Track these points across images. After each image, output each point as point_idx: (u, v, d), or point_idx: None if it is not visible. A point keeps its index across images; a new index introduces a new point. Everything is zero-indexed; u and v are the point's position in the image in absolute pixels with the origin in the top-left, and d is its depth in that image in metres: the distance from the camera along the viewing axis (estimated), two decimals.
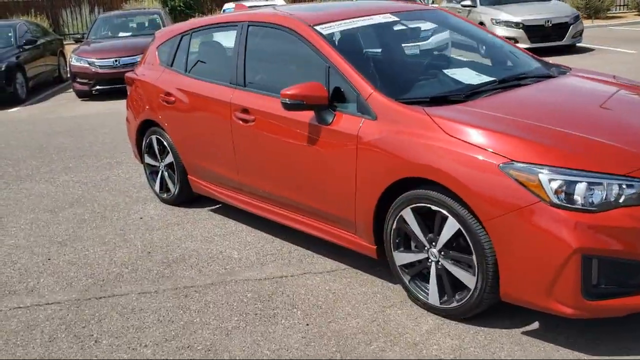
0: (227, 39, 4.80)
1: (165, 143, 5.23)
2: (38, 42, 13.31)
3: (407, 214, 3.30)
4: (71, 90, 12.93)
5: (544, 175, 2.78)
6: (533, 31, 12.84)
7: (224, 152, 4.54)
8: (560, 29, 12.93)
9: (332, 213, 3.79)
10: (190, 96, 4.81)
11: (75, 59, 11.70)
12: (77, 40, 13.16)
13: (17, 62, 12.03)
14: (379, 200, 3.42)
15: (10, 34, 12.81)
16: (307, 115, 3.77)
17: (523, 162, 2.85)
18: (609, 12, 20.44)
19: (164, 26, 12.97)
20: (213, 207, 5.28)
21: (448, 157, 3.04)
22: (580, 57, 12.79)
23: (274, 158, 4.09)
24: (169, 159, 5.25)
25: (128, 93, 5.77)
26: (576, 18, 13.09)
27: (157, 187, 5.51)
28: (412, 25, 4.52)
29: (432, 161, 3.09)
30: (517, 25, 12.86)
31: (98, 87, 11.60)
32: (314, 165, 3.79)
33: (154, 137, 5.36)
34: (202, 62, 5.02)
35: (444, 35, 4.79)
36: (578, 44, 13.63)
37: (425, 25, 4.63)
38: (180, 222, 5.01)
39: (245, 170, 4.41)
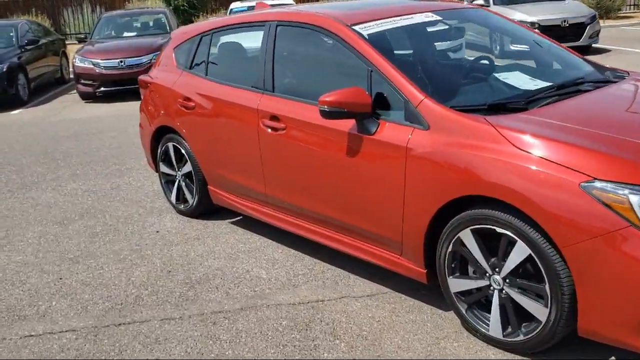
0: (252, 40, 4.46)
1: (183, 151, 4.88)
2: (40, 42, 12.95)
3: (466, 236, 2.96)
4: (74, 91, 12.57)
5: (635, 196, 2.44)
6: (549, 31, 12.48)
7: (250, 162, 4.20)
8: (577, 29, 12.59)
9: (374, 232, 3.45)
10: (212, 101, 4.46)
11: (79, 59, 11.34)
12: (80, 40, 12.80)
13: (19, 62, 11.68)
14: (431, 220, 3.08)
15: (11, 34, 12.45)
16: (347, 124, 3.42)
17: (608, 181, 2.51)
18: (619, 12, 20.11)
19: (169, 26, 12.65)
20: (234, 220, 4.94)
21: (518, 174, 2.69)
22: (599, 58, 12.45)
23: (307, 170, 3.75)
24: (187, 168, 4.90)
25: (142, 97, 5.42)
26: (593, 18, 12.75)
27: (173, 197, 5.16)
28: (454, 25, 4.17)
29: (499, 178, 2.75)
30: (532, 25, 12.51)
31: (103, 88, 11.24)
32: (354, 178, 3.44)
33: (170, 145, 5.01)
34: (224, 64, 4.68)
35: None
36: (594, 45, 13.29)
37: (466, 25, 4.29)
38: (200, 237, 4.66)
39: (274, 182, 4.06)
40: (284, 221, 4.12)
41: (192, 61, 4.83)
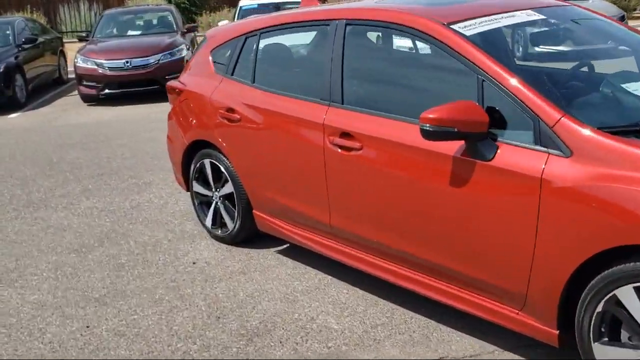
0: (311, 42, 3.81)
1: (222, 169, 4.21)
2: (38, 41, 12.20)
3: (626, 295, 2.32)
4: (74, 93, 11.85)
5: None
6: None
7: (311, 186, 3.54)
8: None
9: (484, 280, 2.80)
10: (263, 114, 3.80)
11: (81, 59, 10.60)
12: (81, 39, 12.04)
13: (16, 62, 10.92)
14: (574, 272, 2.43)
15: (8, 32, 11.69)
16: (453, 147, 2.77)
17: None
18: (634, 11, 19.59)
19: (176, 24, 11.95)
20: (280, 248, 4.28)
21: None
22: None
23: (392, 199, 3.09)
24: (228, 188, 4.23)
25: (171, 105, 4.74)
26: (622, 18, 12.16)
27: (208, 221, 4.49)
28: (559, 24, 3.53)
29: None
30: None
31: (107, 90, 10.51)
32: (460, 213, 2.79)
33: (207, 162, 4.34)
34: (276, 70, 4.02)
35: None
36: None
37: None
38: (245, 270, 3.99)
39: (342, 211, 3.41)
40: (353, 257, 3.46)
41: (235, 66, 4.16)
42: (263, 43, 4.06)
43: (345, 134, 3.26)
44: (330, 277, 3.82)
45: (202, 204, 4.57)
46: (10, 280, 4.04)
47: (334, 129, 3.32)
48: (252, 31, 4.10)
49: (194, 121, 4.37)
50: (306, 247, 3.76)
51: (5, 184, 6.26)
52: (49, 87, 12.79)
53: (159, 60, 10.48)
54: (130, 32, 11.90)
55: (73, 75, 14.04)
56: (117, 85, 10.50)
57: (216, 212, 4.43)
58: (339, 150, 3.29)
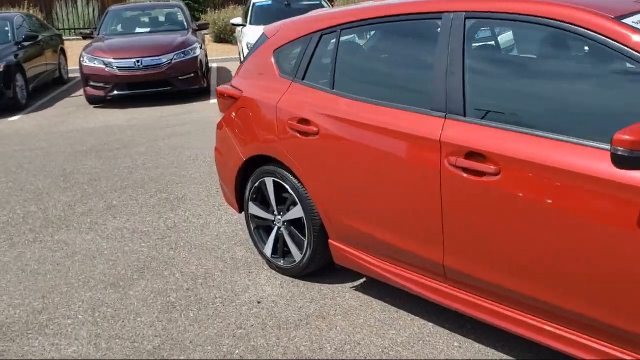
0: (410, 39, 3.16)
1: (289, 190, 3.56)
2: (39, 38, 11.46)
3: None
4: (76, 94, 11.18)
5: None
6: None
7: (418, 217, 2.89)
8: None
9: None
10: (350, 127, 3.14)
11: (88, 58, 9.88)
12: (85, 36, 11.29)
13: (16, 61, 10.18)
14: None
15: (6, 28, 10.94)
16: None
17: None
18: None
19: (185, 21, 11.26)
20: (357, 283, 3.64)
21: None
22: None
23: (543, 239, 2.45)
24: (295, 212, 3.58)
25: (222, 113, 4.07)
26: None
27: (268, 249, 3.83)
28: None
29: None
30: None
31: (115, 92, 9.79)
32: None
33: (269, 180, 3.68)
34: (363, 74, 3.36)
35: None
36: None
37: None
38: (323, 313, 3.34)
39: (463, 250, 2.76)
40: (476, 307, 2.81)
41: (307, 69, 3.50)
42: (345, 41, 3.40)
43: (474, 154, 2.61)
44: (430, 324, 3.18)
45: (260, 228, 3.92)
46: (40, 326, 3.36)
47: (456, 148, 2.67)
48: (329, 27, 3.43)
49: (254, 133, 3.70)
50: (404, 289, 3.11)
51: (16, 198, 5.56)
52: (49, 87, 12.05)
53: (171, 59, 9.79)
54: (138, 30, 11.18)
55: (73, 75, 13.43)
56: (126, 86, 9.79)
57: (278, 239, 3.78)
58: (464, 174, 2.64)
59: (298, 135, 3.40)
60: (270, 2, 11.79)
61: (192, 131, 7.89)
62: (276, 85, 3.63)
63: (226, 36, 16.46)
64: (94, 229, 4.72)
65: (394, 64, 3.25)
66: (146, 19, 11.52)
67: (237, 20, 11.87)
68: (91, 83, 9.84)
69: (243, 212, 4.03)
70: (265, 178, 3.71)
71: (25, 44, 10.84)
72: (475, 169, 2.61)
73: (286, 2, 11.88)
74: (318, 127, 3.28)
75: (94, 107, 10.04)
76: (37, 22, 12.67)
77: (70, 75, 13.34)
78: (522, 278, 2.57)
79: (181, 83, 9.89)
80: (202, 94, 10.37)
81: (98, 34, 10.97)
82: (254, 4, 11.85)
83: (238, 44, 13.17)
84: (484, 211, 2.62)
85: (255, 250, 4.06)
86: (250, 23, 11.32)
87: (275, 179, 3.64)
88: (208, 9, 17.89)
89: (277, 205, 3.73)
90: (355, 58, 3.44)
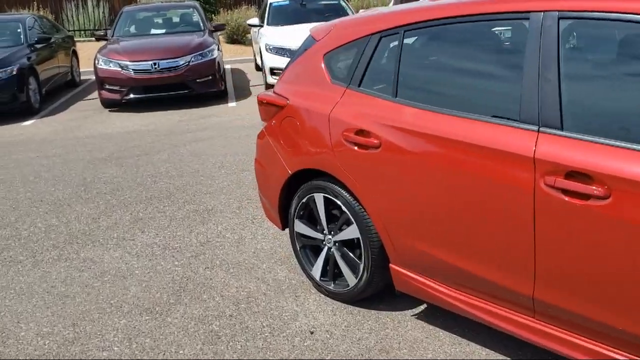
0: (488, 42, 2.83)
1: (343, 207, 3.23)
2: (52, 40, 11.17)
3: None
4: (90, 97, 10.92)
5: None
6: None
7: (503, 243, 2.56)
8: None
9: None
10: (420, 140, 2.81)
11: (103, 61, 9.58)
12: (99, 38, 10.99)
13: (29, 64, 9.88)
14: None
15: (18, 30, 10.64)
16: None
17: None
18: None
19: (202, 22, 10.95)
20: (417, 310, 3.31)
21: None
22: None
23: None
24: (350, 233, 3.25)
25: (264, 122, 3.75)
26: None
27: (316, 271, 3.51)
28: None
29: None
30: None
31: (132, 95, 9.49)
32: None
33: (318, 196, 3.36)
34: (432, 81, 3.03)
35: None
36: None
37: None
38: (386, 346, 3.01)
39: (560, 283, 2.42)
40: (575, 347, 2.47)
41: (363, 74, 3.17)
42: (409, 43, 3.07)
43: (577, 174, 2.28)
44: (507, 359, 2.84)
45: (307, 248, 3.60)
46: (74, 358, 3.05)
47: (554, 166, 2.33)
48: (390, 29, 3.10)
49: (303, 145, 3.38)
50: (481, 321, 2.77)
51: (36, 210, 5.25)
52: (62, 90, 11.76)
53: (189, 62, 9.48)
54: (153, 31, 10.87)
55: (85, 77, 13.15)
56: (142, 90, 9.49)
57: (328, 260, 3.46)
58: (565, 197, 2.31)
59: (355, 148, 3.07)
60: (287, 2, 11.47)
61: (214, 136, 7.57)
62: (328, 93, 3.30)
63: (239, 37, 16.14)
64: (121, 245, 4.40)
65: (470, 69, 2.91)
66: (161, 20, 11.21)
67: (254, 21, 11.54)
68: (107, 86, 9.54)
69: (284, 229, 3.71)
70: (314, 194, 3.39)
71: (38, 46, 10.55)
72: (578, 191, 2.28)
73: (302, 2, 11.55)
74: (380, 139, 2.96)
75: (110, 111, 9.74)
76: (48, 23, 12.38)
77: (83, 77, 13.06)
78: (636, 317, 2.23)
79: (199, 86, 9.58)
80: (220, 97, 10.06)
81: (112, 36, 10.66)
82: (270, 4, 11.53)
83: (253, 45, 12.86)
84: (587, 239, 2.29)
85: (299, 270, 3.74)
86: (268, 24, 11.00)
87: (327, 195, 3.32)
88: (221, 9, 17.55)
89: (327, 224, 3.41)
90: (423, 62, 3.10)
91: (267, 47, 10.12)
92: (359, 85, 3.18)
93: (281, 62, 9.83)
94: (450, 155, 2.70)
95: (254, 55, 13.18)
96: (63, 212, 5.17)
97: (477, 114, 2.65)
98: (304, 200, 3.47)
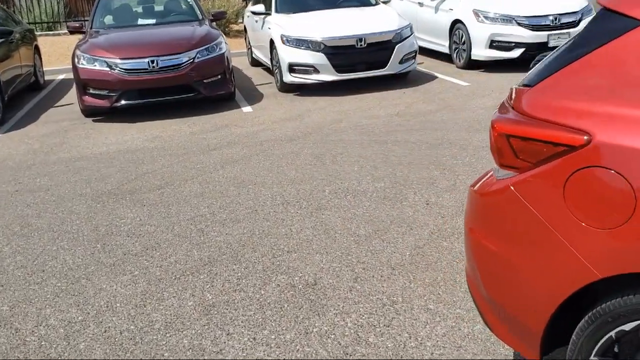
0: None
1: None
2: (12, 35, 9.14)
3: None
4: (61, 103, 8.98)
5: None
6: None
7: None
8: None
9: None
10: None
11: (86, 59, 7.63)
12: (74, 31, 8.97)
13: None
14: None
15: None
16: None
17: None
18: None
19: (199, 11, 9.10)
20: None
21: None
22: None
23: None
24: None
25: (508, 168, 2.07)
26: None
27: None
28: None
29: None
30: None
31: (124, 101, 7.59)
32: None
33: None
34: None
35: None
36: None
37: None
38: None
39: None
40: None
41: None
42: None
43: None
44: None
45: None
46: None
47: None
48: None
49: (637, 223, 1.74)
50: None
51: (40, 292, 3.44)
52: (25, 94, 9.73)
53: (193, 58, 7.66)
54: (142, 21, 8.96)
55: (50, 78, 11.11)
56: (137, 94, 7.61)
57: None
58: None
59: None
60: None
61: (249, 155, 5.83)
62: None
63: (222, 27, 14.22)
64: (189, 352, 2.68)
65: None
66: (150, 8, 9.30)
67: (259, 7, 9.73)
68: (91, 91, 7.61)
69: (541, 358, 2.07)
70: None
71: None
72: None
73: None
74: None
75: (94, 121, 7.82)
76: (3, 14, 10.27)
77: (47, 78, 11.04)
78: None
79: (206, 88, 7.78)
80: (228, 101, 8.26)
81: (91, 28, 8.71)
82: None
83: (249, 35, 11.07)
84: None
85: None
86: (277, 11, 9.24)
87: None
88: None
89: None
90: None
91: (284, 38, 8.39)
92: None
93: (302, 56, 8.15)
94: None
95: (248, 48, 11.40)
96: (86, 296, 3.38)
97: None
98: (605, 339, 1.83)
